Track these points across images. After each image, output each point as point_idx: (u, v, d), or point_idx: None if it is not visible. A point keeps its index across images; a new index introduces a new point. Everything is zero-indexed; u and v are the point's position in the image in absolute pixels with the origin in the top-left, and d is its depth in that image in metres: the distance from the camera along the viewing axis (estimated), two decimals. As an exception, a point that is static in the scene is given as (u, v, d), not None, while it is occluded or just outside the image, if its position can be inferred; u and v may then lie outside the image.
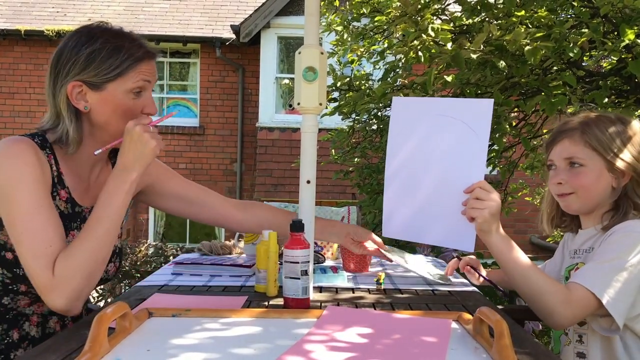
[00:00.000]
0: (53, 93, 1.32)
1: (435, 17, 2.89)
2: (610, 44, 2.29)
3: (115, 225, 1.29)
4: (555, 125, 1.55)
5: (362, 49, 3.88)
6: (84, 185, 1.42)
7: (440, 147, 1.40)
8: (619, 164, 1.38)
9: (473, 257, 1.80)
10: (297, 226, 1.43)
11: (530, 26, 2.44)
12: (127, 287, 5.35)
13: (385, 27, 3.61)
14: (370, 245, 1.78)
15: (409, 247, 4.02)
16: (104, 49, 1.30)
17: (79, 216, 1.39)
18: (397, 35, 3.23)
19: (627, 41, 2.23)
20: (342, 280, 1.79)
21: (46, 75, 1.34)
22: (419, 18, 2.54)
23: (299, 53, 1.61)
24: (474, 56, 2.38)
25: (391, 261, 1.84)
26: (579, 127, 1.43)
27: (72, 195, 1.37)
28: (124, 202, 1.30)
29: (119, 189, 1.28)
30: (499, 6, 2.70)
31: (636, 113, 3.00)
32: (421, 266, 1.90)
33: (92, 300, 4.56)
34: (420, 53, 2.56)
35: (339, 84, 3.82)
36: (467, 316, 1.22)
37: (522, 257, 1.37)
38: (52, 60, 1.33)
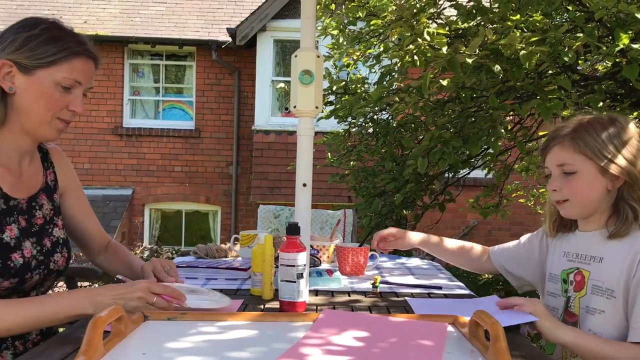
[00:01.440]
0: None
1: (430, 21, 2.90)
2: (604, 48, 2.30)
3: (31, 326, 1.23)
4: (550, 129, 1.55)
5: (358, 53, 3.88)
6: (15, 176, 1.39)
7: None
8: (611, 168, 1.37)
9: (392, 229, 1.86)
10: (293, 229, 1.43)
11: (526, 30, 2.45)
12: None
13: (381, 30, 3.62)
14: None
15: (405, 251, 4.02)
16: (43, 36, 1.32)
17: (15, 209, 1.36)
18: (393, 39, 3.24)
19: (621, 45, 2.24)
20: (338, 283, 1.79)
21: None
22: (415, 22, 2.55)
23: (295, 56, 1.61)
24: (469, 60, 2.39)
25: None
26: (569, 133, 1.43)
27: (4, 190, 1.35)
28: (52, 320, 1.21)
29: (64, 313, 1.21)
30: (494, 10, 2.71)
31: (631, 117, 3.01)
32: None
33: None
34: (415, 57, 2.56)
35: (334, 87, 3.82)
36: (463, 319, 1.22)
37: (595, 341, 1.30)
38: None
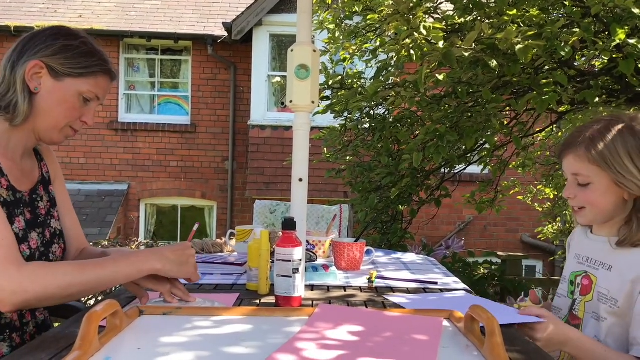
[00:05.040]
0: (14, 64, 1.36)
1: (427, 16, 2.89)
2: (601, 43, 2.30)
3: (104, 285, 1.28)
4: (545, 122, 1.54)
5: (354, 47, 3.88)
6: (18, 171, 1.43)
7: None
8: (624, 180, 1.34)
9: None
10: (289, 224, 1.43)
11: (522, 25, 2.45)
12: (117, 285, 5.32)
13: (377, 25, 3.61)
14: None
15: (400, 245, 4.02)
16: (81, 48, 1.39)
17: (20, 202, 1.40)
18: (390, 33, 3.24)
19: (618, 41, 2.24)
20: (334, 278, 1.79)
21: (11, 48, 1.38)
22: (411, 16, 2.55)
23: (292, 51, 1.60)
24: (465, 54, 2.38)
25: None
26: (584, 142, 1.39)
27: (12, 183, 1.38)
28: (127, 276, 1.30)
29: (134, 266, 1.30)
30: (491, 5, 2.71)
31: (627, 113, 3.01)
32: None
33: (82, 299, 4.53)
34: (412, 51, 2.56)
35: (331, 82, 3.81)
36: (459, 314, 1.22)
37: (597, 345, 1.33)
38: (25, 37, 1.39)
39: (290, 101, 1.61)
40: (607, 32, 2.50)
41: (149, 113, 9.16)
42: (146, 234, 8.99)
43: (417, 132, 3.46)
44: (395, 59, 3.36)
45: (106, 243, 6.32)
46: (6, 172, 1.37)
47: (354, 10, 3.63)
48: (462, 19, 2.90)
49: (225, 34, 8.36)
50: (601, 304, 1.38)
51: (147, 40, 8.74)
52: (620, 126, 1.38)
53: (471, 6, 2.76)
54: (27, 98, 1.35)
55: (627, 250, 1.37)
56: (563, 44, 2.30)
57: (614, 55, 2.40)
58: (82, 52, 1.38)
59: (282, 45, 8.40)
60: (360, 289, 1.69)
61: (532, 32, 2.28)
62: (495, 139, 3.13)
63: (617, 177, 1.34)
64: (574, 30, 2.42)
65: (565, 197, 1.46)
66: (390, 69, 3.59)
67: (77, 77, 1.37)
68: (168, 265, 1.32)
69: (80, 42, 1.40)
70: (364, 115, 3.99)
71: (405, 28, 2.53)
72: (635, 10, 2.21)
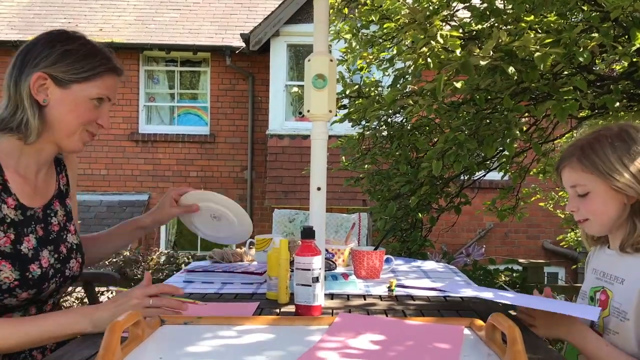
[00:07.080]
0: (16, 81, 1.32)
1: (444, 24, 2.89)
2: (620, 48, 2.28)
3: (33, 343, 1.22)
4: (565, 127, 1.53)
5: (371, 57, 3.88)
6: (31, 187, 1.40)
7: None
8: (620, 185, 1.34)
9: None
10: (308, 233, 1.43)
11: (540, 31, 2.44)
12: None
13: (394, 34, 3.61)
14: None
15: (420, 253, 4.00)
16: (80, 51, 1.35)
17: (32, 219, 1.37)
18: (407, 42, 3.24)
19: (637, 45, 2.22)
20: (354, 287, 1.79)
21: (10, 64, 1.34)
22: (428, 25, 2.55)
23: (309, 61, 1.61)
24: (483, 62, 2.37)
25: None
26: (576, 153, 1.40)
27: (21, 201, 1.35)
28: (52, 337, 1.22)
29: (61, 328, 1.22)
30: (508, 12, 2.69)
31: (618, 123, 2.97)
32: None
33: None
34: (429, 59, 2.56)
35: (348, 91, 3.82)
36: (480, 322, 1.22)
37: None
38: (21, 50, 1.35)
39: (308, 110, 1.62)
40: (626, 37, 2.47)
41: (168, 124, 9.26)
42: (167, 244, 9.06)
43: (436, 140, 3.45)
44: (412, 67, 3.35)
45: (127, 254, 6.37)
46: (15, 190, 1.33)
47: (370, 19, 3.64)
48: (479, 26, 2.89)
49: (243, 44, 8.43)
50: (614, 318, 1.36)
51: (166, 52, 8.85)
52: (609, 134, 1.39)
53: (488, 13, 2.75)
54: (36, 113, 1.31)
55: (634, 259, 1.36)
56: (582, 49, 2.28)
57: (634, 60, 2.37)
58: (82, 54, 1.34)
59: (299, 55, 8.45)
60: (380, 297, 1.69)
61: (550, 39, 2.26)
62: (515, 145, 3.10)
63: (612, 182, 1.34)
64: (593, 35, 2.39)
65: (568, 211, 1.46)
66: (407, 77, 3.58)
67: (83, 82, 1.34)
68: (103, 324, 1.18)
69: (79, 44, 1.35)
70: (382, 124, 3.98)
71: (422, 36, 2.53)
72: (656, 14, 2.19)
